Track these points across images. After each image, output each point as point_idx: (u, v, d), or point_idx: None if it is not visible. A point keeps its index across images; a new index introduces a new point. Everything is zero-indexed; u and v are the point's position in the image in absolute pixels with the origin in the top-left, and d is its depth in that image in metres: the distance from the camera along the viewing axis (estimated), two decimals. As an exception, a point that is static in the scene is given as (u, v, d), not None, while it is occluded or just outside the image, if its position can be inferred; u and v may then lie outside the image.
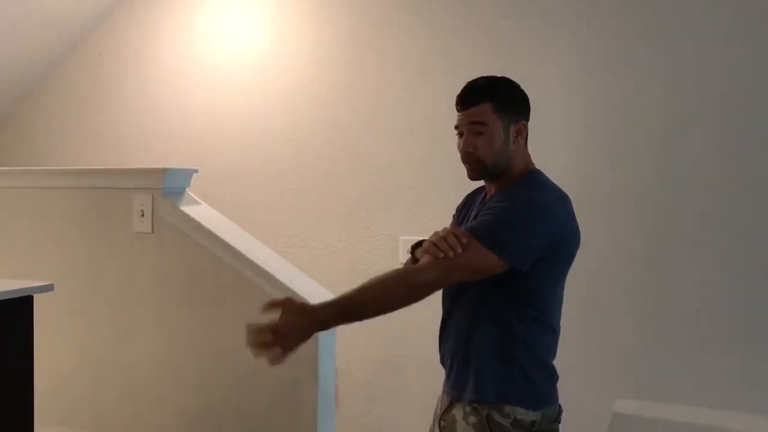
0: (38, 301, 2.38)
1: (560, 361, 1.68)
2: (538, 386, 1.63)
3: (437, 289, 1.65)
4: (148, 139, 3.68)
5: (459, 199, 1.90)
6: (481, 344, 1.63)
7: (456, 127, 1.72)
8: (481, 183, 1.81)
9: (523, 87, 1.74)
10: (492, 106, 1.67)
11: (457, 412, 1.65)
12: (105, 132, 3.80)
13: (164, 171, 2.60)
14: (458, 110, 1.72)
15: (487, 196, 1.76)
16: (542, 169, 1.74)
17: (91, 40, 3.81)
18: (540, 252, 1.57)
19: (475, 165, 1.68)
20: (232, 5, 3.49)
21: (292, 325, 1.50)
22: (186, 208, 2.59)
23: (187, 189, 2.71)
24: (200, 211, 2.64)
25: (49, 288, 2.39)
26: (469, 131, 1.68)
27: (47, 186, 2.88)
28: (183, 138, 3.58)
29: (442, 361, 1.77)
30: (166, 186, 2.61)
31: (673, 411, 1.82)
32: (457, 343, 1.69)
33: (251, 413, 2.49)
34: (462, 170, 1.72)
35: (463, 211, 1.85)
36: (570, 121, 2.80)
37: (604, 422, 1.91)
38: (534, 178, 1.70)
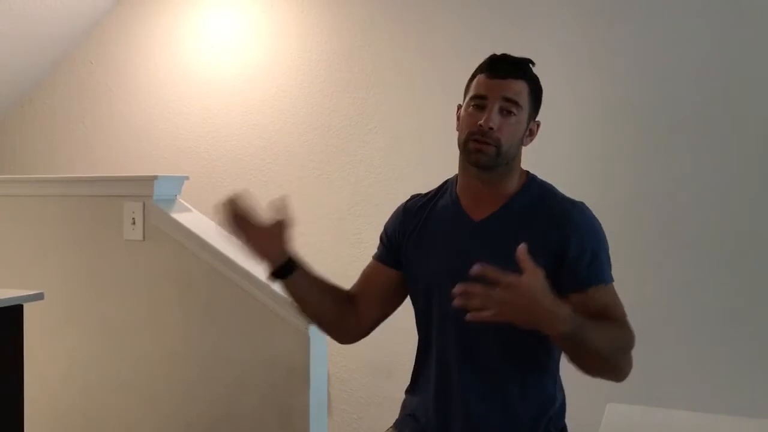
0: (29, 309, 2.37)
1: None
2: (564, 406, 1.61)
3: None
4: (138, 146, 3.67)
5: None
6: (519, 398, 1.48)
7: (480, 97, 1.42)
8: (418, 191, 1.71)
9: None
10: (528, 88, 1.43)
11: None
12: (95, 140, 3.79)
13: (155, 178, 2.60)
14: (490, 77, 1.42)
15: (463, 199, 1.53)
16: (538, 170, 1.69)
17: (82, 48, 3.81)
18: None
19: (491, 147, 1.39)
20: (222, 14, 3.49)
21: (544, 301, 1.24)
22: (177, 216, 2.59)
23: (178, 196, 2.71)
24: (191, 218, 2.64)
25: (39, 297, 2.38)
26: (500, 108, 1.40)
27: (37, 194, 2.87)
28: (173, 145, 3.57)
29: (440, 420, 1.55)
30: (157, 193, 2.61)
31: (665, 416, 1.83)
32: (489, 403, 1.48)
33: (243, 420, 2.49)
34: (452, 174, 1.69)
35: (407, 232, 1.62)
36: (561, 123, 2.81)
37: (595, 428, 1.91)
38: (544, 184, 1.54)
